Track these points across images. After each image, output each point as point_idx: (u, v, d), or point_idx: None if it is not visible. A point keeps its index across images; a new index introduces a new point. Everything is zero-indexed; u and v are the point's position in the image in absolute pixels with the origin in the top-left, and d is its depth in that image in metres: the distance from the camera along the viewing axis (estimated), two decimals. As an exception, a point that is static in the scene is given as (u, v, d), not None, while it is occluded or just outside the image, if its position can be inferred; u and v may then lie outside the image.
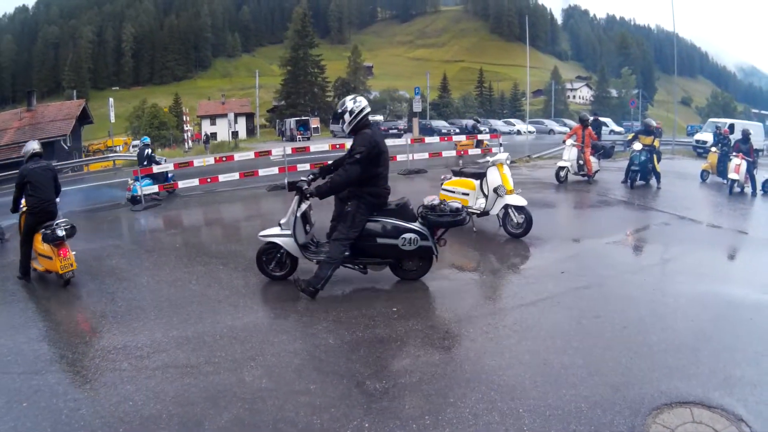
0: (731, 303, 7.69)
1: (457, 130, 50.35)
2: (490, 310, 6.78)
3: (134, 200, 16.06)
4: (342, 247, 7.02)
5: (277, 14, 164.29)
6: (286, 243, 7.45)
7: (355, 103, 7.24)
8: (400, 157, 19.58)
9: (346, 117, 7.19)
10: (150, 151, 18.24)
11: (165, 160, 19.85)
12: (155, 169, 17.07)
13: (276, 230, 7.55)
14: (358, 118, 7.17)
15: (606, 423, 4.48)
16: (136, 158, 19.55)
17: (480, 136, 23.38)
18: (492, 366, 5.34)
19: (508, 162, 10.93)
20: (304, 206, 7.65)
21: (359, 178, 7.00)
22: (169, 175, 17.80)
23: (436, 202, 7.34)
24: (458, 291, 7.48)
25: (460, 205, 7.38)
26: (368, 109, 7.29)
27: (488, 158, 10.83)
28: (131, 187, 16.45)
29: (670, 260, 10.05)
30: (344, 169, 7.09)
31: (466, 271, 8.72)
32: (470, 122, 19.74)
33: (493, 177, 10.43)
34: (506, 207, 10.26)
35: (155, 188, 16.77)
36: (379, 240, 7.14)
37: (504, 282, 8.20)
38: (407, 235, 7.04)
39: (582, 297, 7.39)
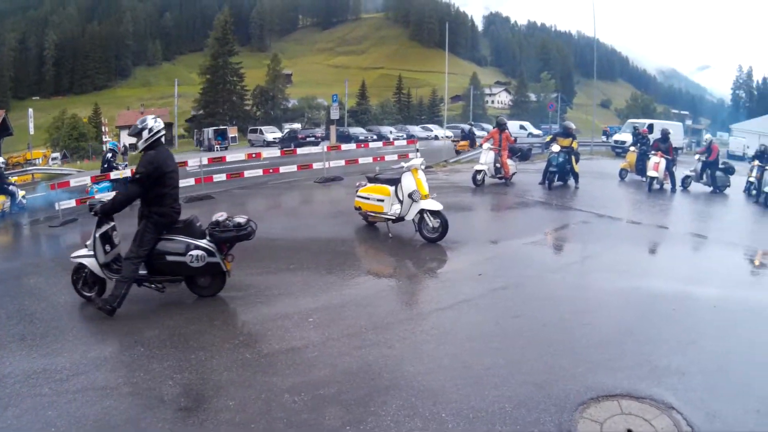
0: (653, 296, 7.85)
1: (375, 137, 50.65)
2: (408, 316, 6.68)
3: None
4: (133, 266, 6.88)
5: (199, 21, 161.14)
6: (90, 263, 7.28)
7: (155, 122, 7.15)
8: (316, 165, 19.39)
9: (144, 134, 7.02)
10: (110, 156, 18.39)
11: (125, 166, 19.22)
12: (112, 175, 16.69)
13: (84, 251, 7.37)
14: (154, 138, 7.05)
15: (532, 422, 4.48)
16: (55, 172, 19.22)
17: (396, 142, 23.47)
18: (411, 372, 5.23)
19: (423, 167, 10.83)
20: (106, 226, 7.43)
21: (143, 198, 6.96)
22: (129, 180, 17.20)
23: (222, 218, 7.17)
24: (375, 298, 7.32)
25: (244, 220, 7.24)
26: (163, 132, 7.21)
27: (403, 164, 10.72)
28: (88, 189, 16.38)
29: (590, 257, 10.19)
30: (126, 188, 7.26)
31: (383, 277, 8.58)
32: (466, 127, 19.72)
33: (408, 182, 10.30)
34: (421, 212, 10.14)
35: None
36: (169, 258, 7.00)
37: (421, 287, 8.13)
38: (194, 252, 6.91)
39: (500, 298, 7.36)
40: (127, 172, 17.16)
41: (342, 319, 6.40)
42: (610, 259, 10.03)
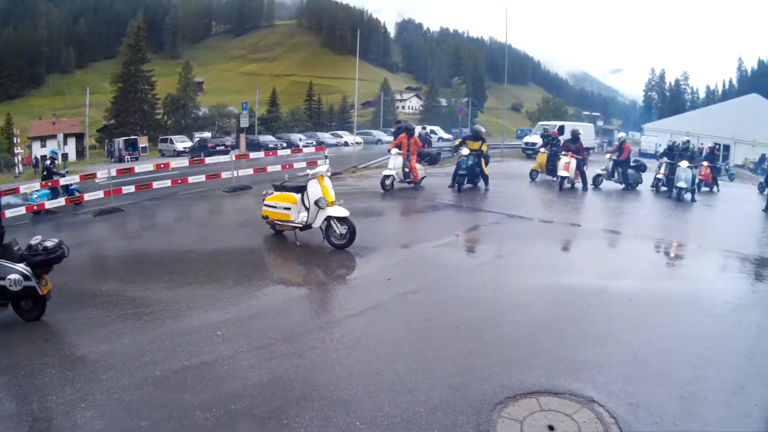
0: (568, 292, 8.04)
1: (284, 145, 50.38)
2: (317, 324, 6.56)
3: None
4: None
5: (113, 28, 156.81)
6: None
7: None
8: (224, 175, 19.07)
9: None
10: (48, 163, 18.45)
11: (67, 172, 19.34)
12: (62, 181, 16.68)
13: None
14: None
15: (449, 425, 4.46)
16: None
17: (306, 150, 23.35)
18: (323, 381, 5.16)
19: (329, 174, 10.77)
20: None
21: None
22: (71, 186, 17.15)
23: (35, 241, 6.96)
24: (284, 307, 7.20)
25: (54, 243, 7.01)
26: None
27: (308, 171, 10.65)
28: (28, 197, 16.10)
29: (502, 257, 10.35)
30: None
31: (291, 286, 8.47)
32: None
33: (314, 189, 10.22)
34: (328, 219, 10.08)
35: (61, 201, 16.29)
36: None
37: (330, 294, 8.07)
38: (11, 276, 6.68)
39: (410, 302, 7.35)
40: (75, 179, 17.20)
41: (251, 331, 6.26)
42: (522, 258, 10.20)
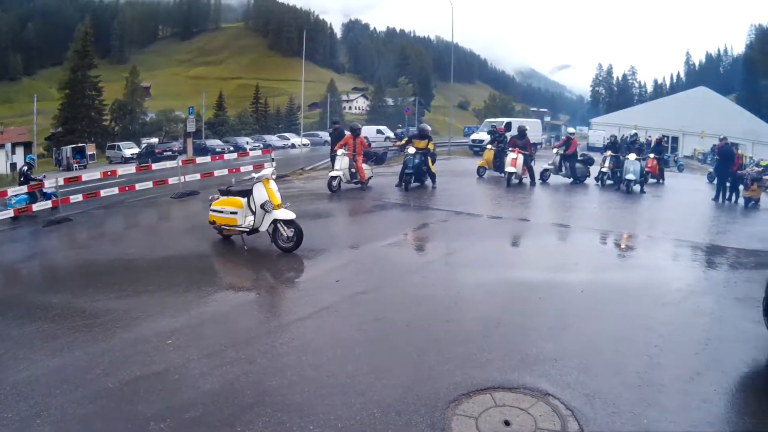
0: (519, 287, 8.14)
1: (231, 148, 49.98)
2: (267, 329, 6.51)
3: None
4: None
5: (61, 33, 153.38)
6: None
7: None
8: (171, 180, 18.86)
9: None
10: (26, 169, 18.70)
11: (44, 177, 19.68)
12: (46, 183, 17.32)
13: None
14: None
15: (403, 424, 4.45)
16: None
17: (252, 153, 23.23)
18: (275, 386, 5.10)
19: (274, 177, 10.75)
20: None
21: None
22: (49, 191, 17.18)
23: None
24: (233, 313, 7.14)
25: None
26: None
27: (254, 175, 10.59)
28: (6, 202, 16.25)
29: (451, 254, 10.42)
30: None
31: (240, 291, 8.42)
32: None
33: (260, 193, 10.17)
34: (275, 222, 10.04)
35: (48, 204, 16.23)
36: None
37: (279, 298, 8.05)
38: None
39: (360, 302, 7.36)
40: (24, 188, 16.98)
41: (201, 338, 6.20)
42: (471, 254, 10.28)
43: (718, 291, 8.49)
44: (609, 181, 21.00)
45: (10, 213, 15.58)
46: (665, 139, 47.65)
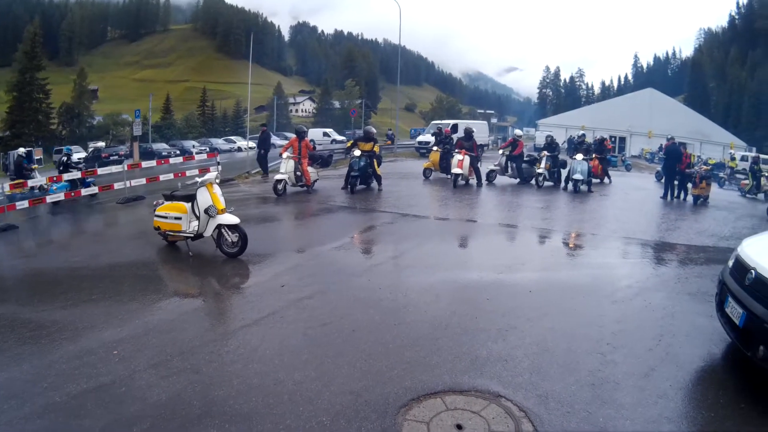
0: (466, 288, 8.12)
1: (178, 152, 49.41)
2: (212, 337, 6.39)
3: None
4: None
5: (10, 33, 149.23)
6: None
7: None
8: (117, 185, 18.56)
9: None
10: (65, 159, 20.92)
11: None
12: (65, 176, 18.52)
13: None
14: None
15: None
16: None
17: (198, 156, 23.04)
18: (222, 396, 4.97)
19: (218, 180, 10.63)
20: None
21: None
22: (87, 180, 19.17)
23: None
24: (179, 321, 6.97)
25: None
26: None
27: (197, 179, 10.46)
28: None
29: (398, 257, 10.35)
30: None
31: (186, 298, 8.25)
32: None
33: (204, 198, 10.08)
34: (219, 227, 9.96)
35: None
36: None
37: (225, 304, 7.92)
38: None
39: (305, 308, 7.26)
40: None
41: (147, 348, 6.06)
42: (418, 256, 10.29)
43: (669, 287, 8.64)
44: (547, 182, 21.29)
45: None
46: (610, 139, 48.71)
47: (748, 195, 26.89)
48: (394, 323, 6.64)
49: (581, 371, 5.42)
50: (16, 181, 17.49)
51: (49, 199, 16.84)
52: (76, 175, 18.64)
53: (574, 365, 5.56)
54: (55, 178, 18.16)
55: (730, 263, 6.13)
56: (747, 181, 27.36)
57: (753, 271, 5.38)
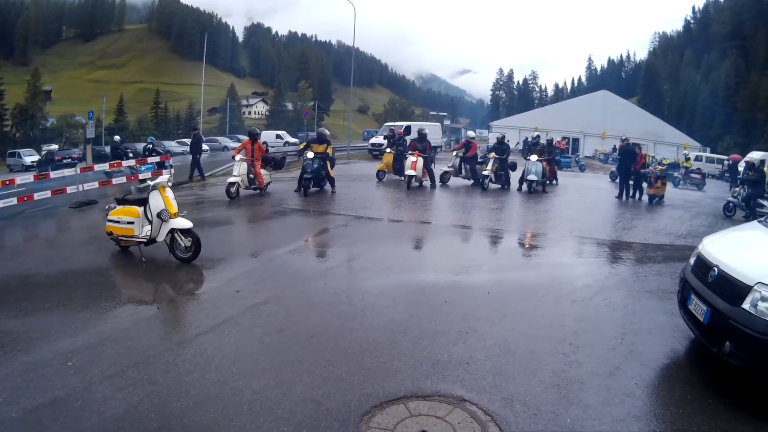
0: (423, 290, 8.08)
1: (131, 154, 48.76)
2: (168, 346, 6.21)
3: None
4: None
5: None
6: None
7: None
8: (69, 189, 18.17)
9: None
10: (150, 146, 25.72)
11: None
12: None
13: None
14: None
15: None
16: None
17: (150, 159, 22.71)
18: (179, 408, 4.81)
19: (170, 184, 10.42)
20: None
21: None
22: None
23: None
24: (133, 330, 6.76)
25: None
26: None
27: (149, 182, 10.25)
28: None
29: (353, 260, 10.31)
30: None
31: (140, 305, 7.98)
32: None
33: (156, 201, 9.87)
34: (172, 231, 9.78)
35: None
36: None
37: (179, 312, 7.71)
38: None
39: (261, 314, 7.14)
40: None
41: (102, 359, 5.88)
42: (373, 258, 10.28)
43: (628, 285, 8.75)
44: (494, 185, 21.34)
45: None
46: (563, 140, 49.34)
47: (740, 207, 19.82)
48: (352, 328, 6.58)
49: (545, 372, 5.44)
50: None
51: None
52: (155, 159, 21.74)
53: (538, 366, 5.57)
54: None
55: (692, 261, 6.24)
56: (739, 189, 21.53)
57: (716, 268, 5.51)
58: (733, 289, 5.15)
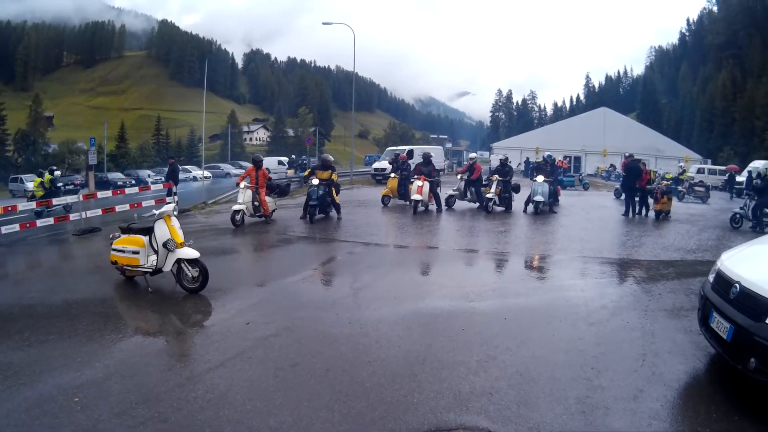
0: (438, 318, 7.86)
1: (133, 182, 48.58)
2: (178, 381, 5.93)
3: None
4: None
5: None
6: None
7: None
8: (72, 216, 18.12)
9: None
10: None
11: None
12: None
13: None
14: None
15: None
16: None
17: (154, 186, 22.57)
18: None
19: (175, 213, 10.23)
20: None
21: None
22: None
23: None
24: (141, 364, 6.49)
25: None
26: None
27: (154, 211, 10.03)
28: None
29: (363, 289, 10.05)
30: None
31: (147, 338, 7.72)
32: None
33: (161, 231, 9.66)
34: (179, 261, 9.54)
35: None
36: None
37: (188, 345, 7.46)
38: None
39: (274, 347, 6.89)
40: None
41: (109, 395, 5.60)
42: (385, 286, 10.04)
43: (643, 304, 8.58)
44: (498, 207, 21.17)
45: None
46: (565, 159, 49.35)
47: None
48: (369, 360, 6.34)
49: (569, 399, 5.28)
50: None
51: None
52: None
53: (562, 393, 5.41)
54: None
55: (711, 278, 6.13)
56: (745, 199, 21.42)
57: (737, 284, 5.41)
58: (756, 305, 5.06)
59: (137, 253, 9.92)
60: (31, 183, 54.11)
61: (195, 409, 5.29)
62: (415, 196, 19.91)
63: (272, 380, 5.92)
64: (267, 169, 19.66)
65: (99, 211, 19.27)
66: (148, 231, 9.95)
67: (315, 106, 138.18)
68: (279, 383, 5.83)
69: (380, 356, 6.48)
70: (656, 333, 7.22)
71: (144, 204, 19.67)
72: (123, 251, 10.04)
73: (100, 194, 21.04)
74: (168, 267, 9.68)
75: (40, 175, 23.63)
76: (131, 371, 6.28)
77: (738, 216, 19.44)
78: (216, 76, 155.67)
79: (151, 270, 9.86)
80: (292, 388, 5.70)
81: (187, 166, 71.21)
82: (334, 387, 5.66)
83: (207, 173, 56.43)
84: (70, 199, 20.04)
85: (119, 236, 10.36)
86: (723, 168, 51.95)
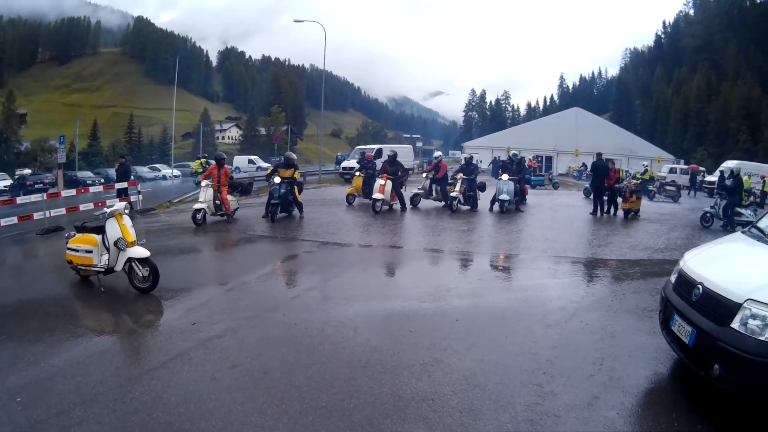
0: (388, 319, 7.81)
1: (102, 180, 48.15)
2: (117, 382, 5.88)
3: None
4: None
5: None
6: None
7: None
8: (36, 215, 17.87)
9: None
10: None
11: None
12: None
13: None
14: None
15: None
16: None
17: (117, 185, 22.21)
18: None
19: (127, 211, 10.15)
20: None
21: None
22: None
23: None
24: (84, 364, 6.42)
25: None
26: None
27: (106, 209, 9.94)
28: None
29: (315, 288, 10.00)
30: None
31: (93, 338, 7.56)
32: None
33: (113, 229, 9.58)
34: (130, 260, 9.47)
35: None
36: None
37: (132, 346, 7.38)
38: None
39: (215, 348, 6.83)
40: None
41: (50, 395, 5.61)
42: (339, 286, 10.02)
43: (605, 305, 8.51)
44: (464, 206, 21.22)
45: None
46: (536, 158, 49.64)
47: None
48: (309, 363, 6.26)
49: (517, 406, 5.13)
50: None
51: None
52: None
53: (509, 400, 5.26)
54: None
55: (673, 278, 6.02)
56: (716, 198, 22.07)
57: (700, 286, 5.28)
58: (720, 308, 4.91)
59: (90, 252, 9.86)
60: (1, 182, 53.77)
61: (129, 411, 5.26)
62: (376, 195, 19.93)
63: (209, 382, 5.88)
64: (229, 167, 19.60)
65: (63, 210, 19.13)
66: (101, 230, 9.87)
67: (288, 104, 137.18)
68: (215, 386, 5.78)
69: (321, 359, 6.40)
70: (617, 335, 7.12)
71: (108, 202, 19.45)
72: (77, 250, 9.98)
73: (65, 193, 20.87)
74: (120, 266, 9.62)
75: None
76: (74, 372, 6.25)
77: (709, 215, 19.71)
78: (190, 74, 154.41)
79: (103, 269, 9.80)
80: (228, 390, 5.65)
81: (156, 165, 70.63)
82: (270, 390, 5.60)
83: (177, 172, 56.06)
84: (34, 197, 19.87)
85: (74, 235, 10.29)
86: (686, 167, 52.64)
